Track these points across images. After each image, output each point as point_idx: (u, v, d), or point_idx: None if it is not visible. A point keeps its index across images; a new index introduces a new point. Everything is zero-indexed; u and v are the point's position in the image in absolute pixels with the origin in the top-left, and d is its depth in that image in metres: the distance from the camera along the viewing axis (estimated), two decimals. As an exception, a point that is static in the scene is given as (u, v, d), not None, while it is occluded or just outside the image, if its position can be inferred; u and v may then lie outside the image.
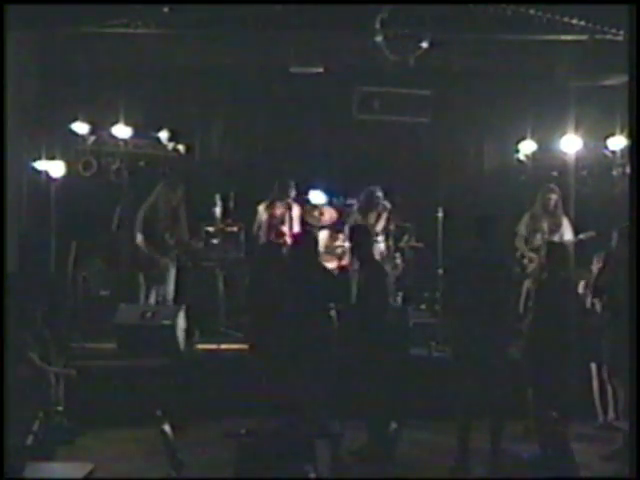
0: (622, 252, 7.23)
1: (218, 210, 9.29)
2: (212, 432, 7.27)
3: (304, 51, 9.89)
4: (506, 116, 10.71)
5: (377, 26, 8.61)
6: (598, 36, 8.88)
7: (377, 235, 9.35)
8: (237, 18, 8.90)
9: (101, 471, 5.77)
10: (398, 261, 9.47)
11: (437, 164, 11.11)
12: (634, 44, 7.07)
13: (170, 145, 10.15)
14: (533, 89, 10.30)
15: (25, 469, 5.40)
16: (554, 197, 9.44)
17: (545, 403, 6.98)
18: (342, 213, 9.99)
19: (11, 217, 7.84)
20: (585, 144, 9.87)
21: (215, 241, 9.66)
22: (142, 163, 10.12)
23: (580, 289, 7.97)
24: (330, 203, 10.11)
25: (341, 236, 9.51)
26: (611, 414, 7.75)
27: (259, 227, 9.54)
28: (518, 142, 10.39)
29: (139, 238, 9.22)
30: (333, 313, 7.14)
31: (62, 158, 9.67)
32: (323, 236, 9.56)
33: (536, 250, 9.27)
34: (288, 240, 9.21)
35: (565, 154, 9.93)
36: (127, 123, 9.76)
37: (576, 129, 9.81)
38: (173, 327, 8.48)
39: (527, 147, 10.33)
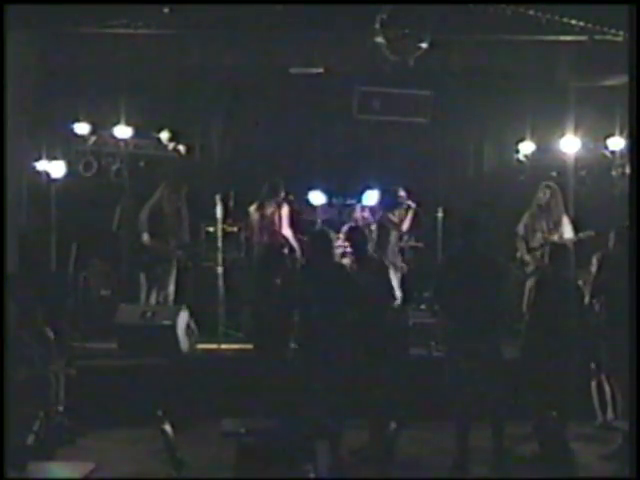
0: (619, 252, 7.25)
1: (218, 210, 9.31)
2: (212, 432, 7.28)
3: (304, 51, 9.89)
4: (505, 116, 10.73)
5: (377, 26, 8.60)
6: (598, 36, 8.87)
7: (402, 235, 9.38)
8: (237, 18, 8.90)
9: (102, 471, 5.79)
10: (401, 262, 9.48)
11: (437, 164, 11.12)
12: (634, 44, 7.10)
13: (170, 145, 10.18)
14: (533, 89, 10.29)
15: (26, 469, 5.42)
16: (548, 192, 9.35)
17: (544, 403, 6.99)
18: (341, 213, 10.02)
19: (11, 217, 7.83)
20: (584, 144, 9.88)
21: (215, 241, 9.69)
22: (142, 163, 10.14)
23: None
24: (330, 203, 10.11)
25: (341, 236, 9.51)
26: (610, 414, 7.75)
27: (251, 228, 9.53)
28: (517, 142, 10.42)
29: (145, 237, 9.22)
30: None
31: (63, 158, 9.68)
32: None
33: (536, 250, 9.27)
34: (289, 241, 9.23)
35: (564, 154, 9.94)
36: (128, 123, 9.80)
37: (575, 129, 9.81)
38: (173, 327, 8.49)
39: (526, 147, 10.35)
